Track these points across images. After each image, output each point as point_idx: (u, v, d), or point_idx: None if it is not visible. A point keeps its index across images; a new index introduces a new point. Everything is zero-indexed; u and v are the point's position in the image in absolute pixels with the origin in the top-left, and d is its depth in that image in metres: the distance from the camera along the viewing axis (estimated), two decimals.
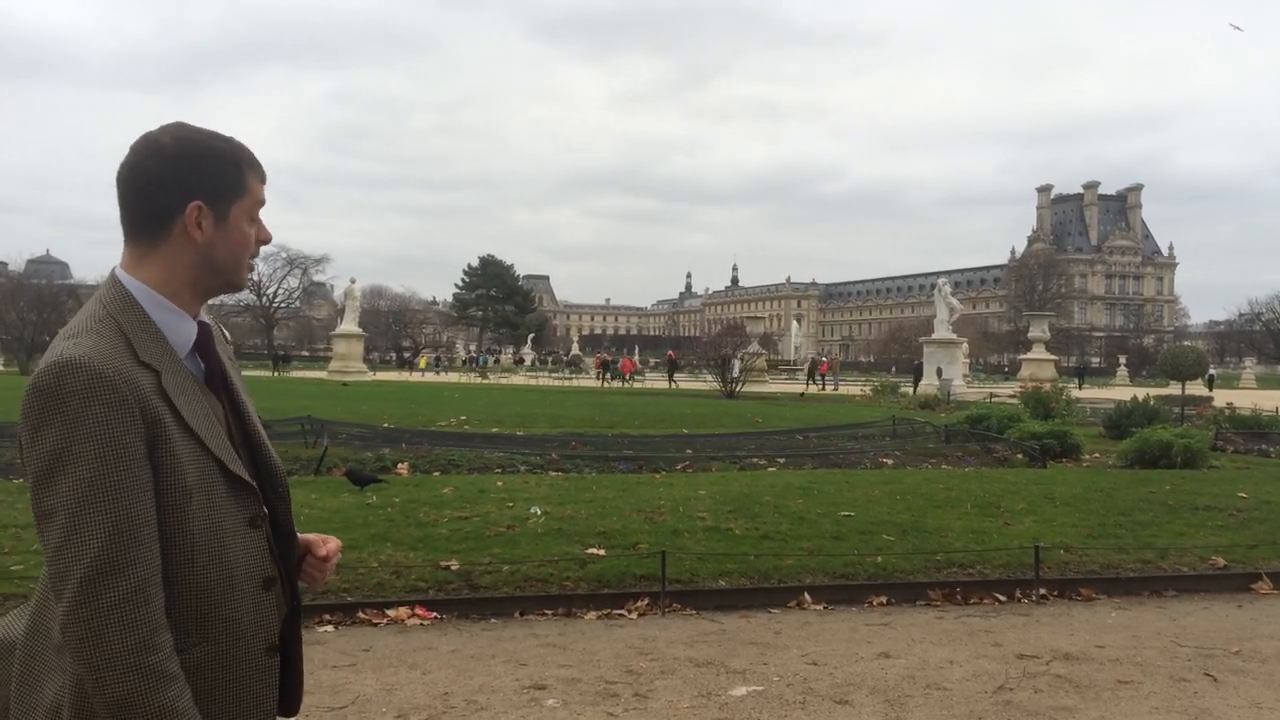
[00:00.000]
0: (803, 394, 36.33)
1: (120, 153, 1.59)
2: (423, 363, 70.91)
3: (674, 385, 43.29)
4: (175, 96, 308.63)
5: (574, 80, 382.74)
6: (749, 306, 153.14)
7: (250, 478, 1.62)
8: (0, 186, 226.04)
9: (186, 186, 1.58)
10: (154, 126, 1.63)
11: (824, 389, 43.23)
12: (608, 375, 49.87)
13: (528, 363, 78.25)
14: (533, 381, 48.08)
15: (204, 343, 1.65)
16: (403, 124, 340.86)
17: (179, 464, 1.51)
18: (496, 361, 75.14)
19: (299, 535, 1.79)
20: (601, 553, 6.92)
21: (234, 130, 1.69)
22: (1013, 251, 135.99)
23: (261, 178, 1.68)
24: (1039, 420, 16.35)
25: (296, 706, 1.76)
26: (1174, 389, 32.99)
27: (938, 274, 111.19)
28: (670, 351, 64.19)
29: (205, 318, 1.69)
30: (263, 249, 1.77)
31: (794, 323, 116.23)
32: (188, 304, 1.63)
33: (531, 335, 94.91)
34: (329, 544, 1.83)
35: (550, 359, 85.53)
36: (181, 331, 1.61)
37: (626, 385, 44.52)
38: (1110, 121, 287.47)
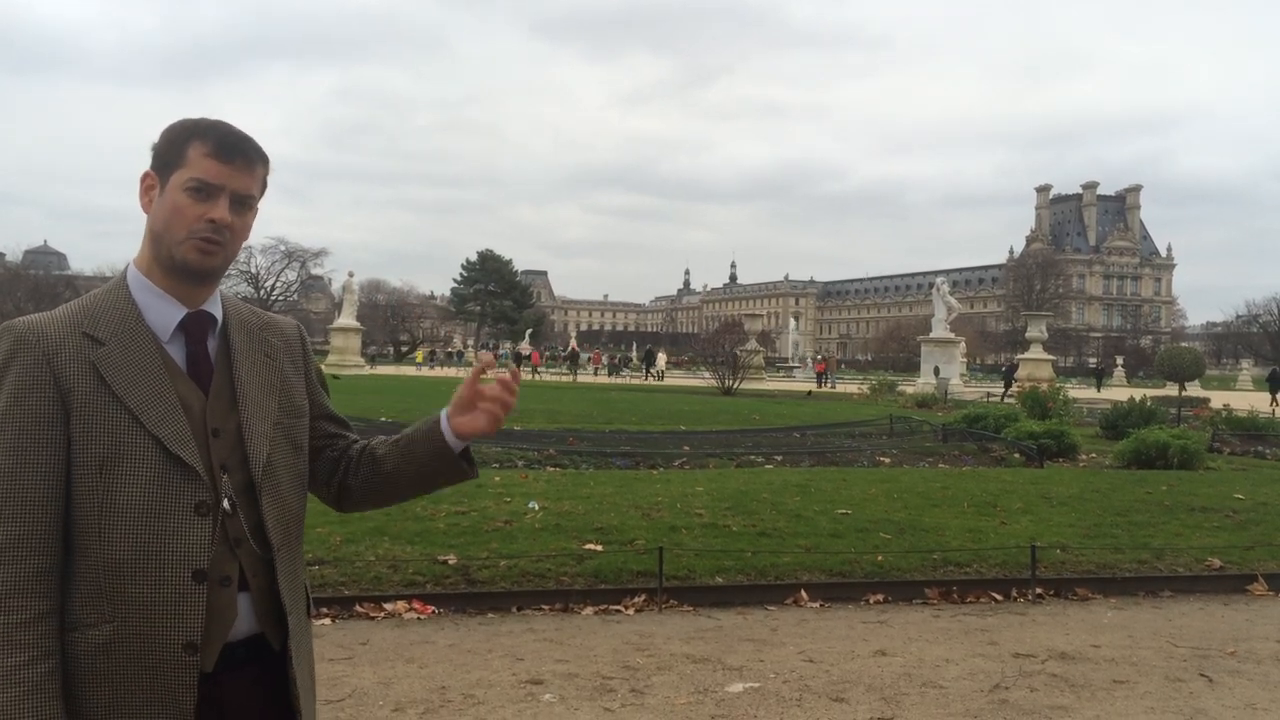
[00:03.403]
0: (810, 392, 36.53)
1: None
2: (419, 356, 70.24)
3: (574, 380, 46.03)
4: (180, 92, 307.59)
5: (577, 79, 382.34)
6: (747, 304, 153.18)
7: (204, 465, 1.57)
8: (1, 178, 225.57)
9: (151, 162, 1.65)
10: (156, 120, 1.68)
11: (820, 387, 43.60)
12: (520, 366, 53.01)
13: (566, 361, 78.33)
14: (531, 378, 48.54)
15: (192, 329, 1.65)
16: (406, 121, 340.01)
17: (92, 433, 1.53)
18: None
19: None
20: (599, 548, 6.92)
21: (237, 126, 1.69)
22: (1011, 251, 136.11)
23: (213, 152, 1.61)
24: (1036, 420, 16.36)
25: None
26: (1171, 390, 33.07)
27: (936, 273, 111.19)
28: (572, 344, 69.57)
29: (214, 310, 1.69)
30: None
31: (792, 320, 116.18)
32: (164, 283, 1.64)
33: (530, 330, 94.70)
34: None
35: (548, 354, 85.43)
36: (164, 314, 1.63)
37: (535, 377, 47.16)
38: (1109, 125, 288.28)
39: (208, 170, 1.60)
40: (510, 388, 1.73)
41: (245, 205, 1.66)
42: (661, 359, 52.71)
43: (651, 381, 45.71)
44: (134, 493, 1.53)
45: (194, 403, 1.61)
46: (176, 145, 1.62)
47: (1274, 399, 38.11)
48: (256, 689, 1.64)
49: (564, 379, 46.27)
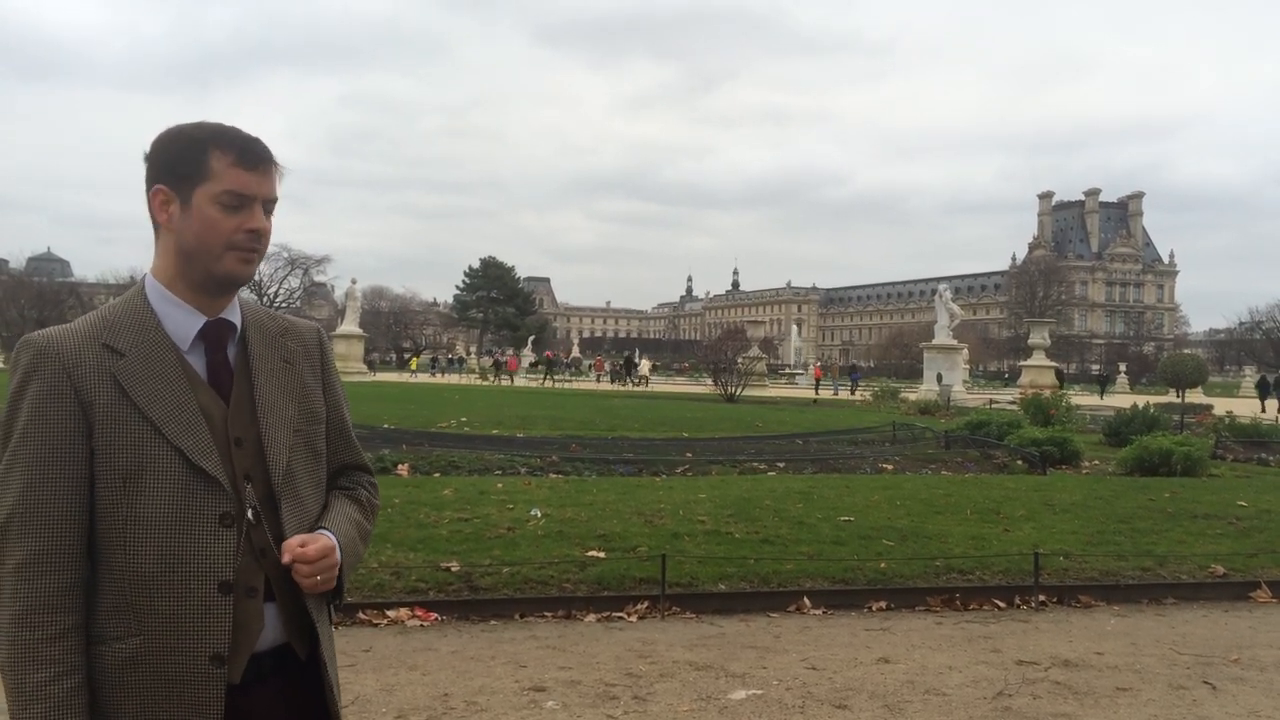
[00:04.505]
0: (815, 399, 36.55)
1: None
2: (414, 364, 68.76)
3: (552, 384, 46.83)
4: (185, 98, 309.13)
5: (580, 85, 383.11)
6: (749, 310, 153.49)
7: (227, 476, 1.56)
8: (4, 184, 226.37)
9: (153, 174, 1.61)
10: (161, 126, 1.65)
11: (819, 393, 43.71)
12: (496, 372, 54.95)
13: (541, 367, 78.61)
14: (533, 384, 48.70)
15: (212, 337, 1.63)
16: (410, 127, 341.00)
17: (115, 445, 1.52)
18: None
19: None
20: (601, 555, 6.93)
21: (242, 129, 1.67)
22: (1013, 258, 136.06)
23: (238, 161, 1.59)
24: (1039, 427, 16.37)
25: None
26: (1173, 397, 33.04)
27: (938, 280, 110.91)
28: (548, 352, 72.00)
29: (233, 316, 1.68)
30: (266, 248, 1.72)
31: (794, 327, 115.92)
32: (187, 294, 1.62)
33: (532, 337, 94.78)
34: (301, 546, 1.59)
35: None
36: (182, 324, 1.61)
37: (511, 384, 48.11)
38: (1112, 130, 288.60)
39: (238, 181, 1.58)
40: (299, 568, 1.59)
41: (271, 209, 1.66)
42: (645, 365, 53.37)
43: (631, 388, 45.92)
44: (158, 505, 1.52)
45: (215, 412, 1.60)
46: (192, 156, 1.58)
47: (1264, 406, 38.12)
48: (282, 699, 1.63)
49: (533, 384, 46.62)
